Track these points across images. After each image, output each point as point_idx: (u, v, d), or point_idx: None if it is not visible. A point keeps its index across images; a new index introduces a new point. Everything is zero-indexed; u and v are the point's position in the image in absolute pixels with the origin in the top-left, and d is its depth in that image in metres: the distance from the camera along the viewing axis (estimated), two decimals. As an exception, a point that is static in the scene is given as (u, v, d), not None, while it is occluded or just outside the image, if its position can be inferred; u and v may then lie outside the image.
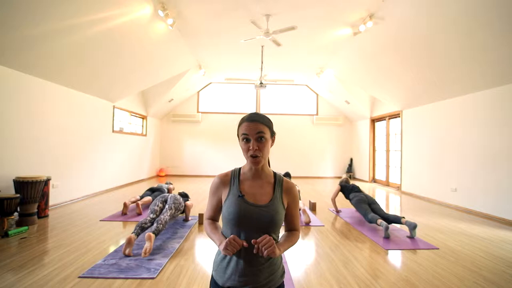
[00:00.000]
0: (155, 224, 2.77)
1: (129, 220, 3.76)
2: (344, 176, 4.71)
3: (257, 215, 0.98)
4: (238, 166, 1.11)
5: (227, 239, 0.90)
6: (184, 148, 9.41)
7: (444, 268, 2.42)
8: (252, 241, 0.91)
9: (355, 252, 2.78)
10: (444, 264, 2.49)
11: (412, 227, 3.22)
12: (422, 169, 5.95)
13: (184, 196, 3.99)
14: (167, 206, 3.12)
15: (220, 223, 1.08)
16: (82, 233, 3.19)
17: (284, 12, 4.35)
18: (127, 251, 2.54)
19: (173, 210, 3.12)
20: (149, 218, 2.94)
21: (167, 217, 2.95)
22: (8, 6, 2.84)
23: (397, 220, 3.41)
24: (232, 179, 1.06)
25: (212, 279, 1.05)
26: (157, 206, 3.14)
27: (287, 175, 6.29)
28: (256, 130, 0.98)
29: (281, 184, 1.08)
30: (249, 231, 0.97)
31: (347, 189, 4.26)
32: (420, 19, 3.88)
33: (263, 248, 0.88)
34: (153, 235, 2.62)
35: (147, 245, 2.53)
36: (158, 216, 3.03)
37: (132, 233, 2.68)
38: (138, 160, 7.72)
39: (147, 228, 2.83)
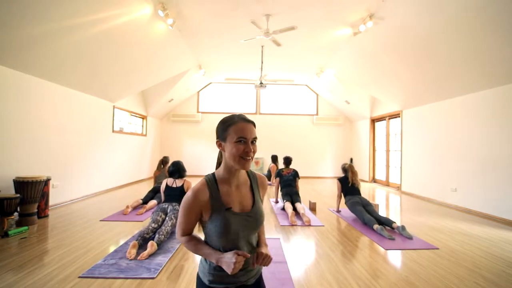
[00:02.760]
0: (157, 235, 2.78)
1: (129, 220, 3.75)
2: (347, 164, 4.42)
3: (246, 223, 0.99)
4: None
5: (234, 260, 0.90)
6: (184, 148, 9.41)
7: (444, 268, 2.42)
8: (251, 264, 1.01)
9: (355, 252, 2.78)
10: (444, 264, 2.49)
11: (401, 229, 3.28)
12: (422, 169, 5.95)
13: (179, 171, 3.52)
14: (167, 218, 3.11)
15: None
16: (82, 233, 3.19)
17: (284, 12, 4.35)
18: (132, 254, 2.52)
19: (174, 220, 3.12)
20: (150, 227, 2.94)
21: (168, 228, 2.97)
22: (8, 6, 2.84)
23: (388, 223, 3.47)
24: (211, 192, 0.98)
25: (202, 282, 1.02)
26: (160, 216, 3.15)
27: (275, 158, 6.34)
28: (253, 134, 0.96)
29: (256, 181, 1.08)
30: (238, 239, 0.98)
31: (346, 186, 4.21)
32: (420, 19, 3.88)
33: (263, 263, 1.00)
34: (155, 245, 2.65)
35: (147, 251, 2.55)
36: (160, 226, 3.04)
37: (135, 240, 2.69)
38: (138, 160, 7.72)
39: (148, 239, 2.83)
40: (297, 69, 7.73)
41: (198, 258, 2.60)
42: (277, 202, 4.99)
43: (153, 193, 4.69)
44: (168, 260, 2.48)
